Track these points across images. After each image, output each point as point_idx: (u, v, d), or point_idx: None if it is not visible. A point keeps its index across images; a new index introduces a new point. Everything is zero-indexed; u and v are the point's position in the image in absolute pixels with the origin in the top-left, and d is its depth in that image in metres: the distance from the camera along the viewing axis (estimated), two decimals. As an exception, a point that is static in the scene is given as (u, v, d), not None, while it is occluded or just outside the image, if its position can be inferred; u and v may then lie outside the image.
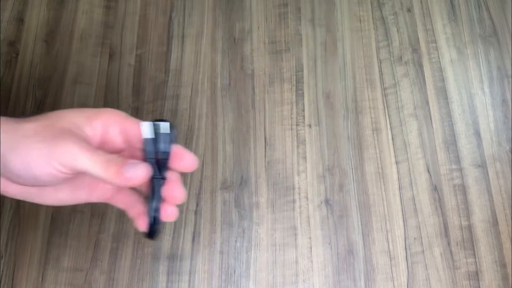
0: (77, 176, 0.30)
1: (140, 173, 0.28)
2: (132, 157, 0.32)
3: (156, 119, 0.29)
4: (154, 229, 0.29)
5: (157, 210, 0.29)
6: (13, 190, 0.31)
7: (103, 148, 0.32)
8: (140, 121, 0.31)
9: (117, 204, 0.35)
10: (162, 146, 0.29)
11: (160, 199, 0.29)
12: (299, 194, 0.63)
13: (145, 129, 0.29)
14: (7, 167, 0.28)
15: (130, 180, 0.28)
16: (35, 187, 0.31)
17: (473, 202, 0.63)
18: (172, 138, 0.29)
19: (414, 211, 0.62)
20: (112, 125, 0.31)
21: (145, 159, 0.29)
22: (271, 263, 0.59)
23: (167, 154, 0.29)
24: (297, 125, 0.66)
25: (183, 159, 0.30)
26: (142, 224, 0.31)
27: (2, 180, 0.30)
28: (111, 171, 0.27)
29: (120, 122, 0.31)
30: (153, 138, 0.29)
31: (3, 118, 0.29)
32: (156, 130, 0.29)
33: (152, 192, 0.29)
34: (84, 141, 0.28)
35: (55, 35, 0.71)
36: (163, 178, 0.29)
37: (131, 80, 0.68)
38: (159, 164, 0.29)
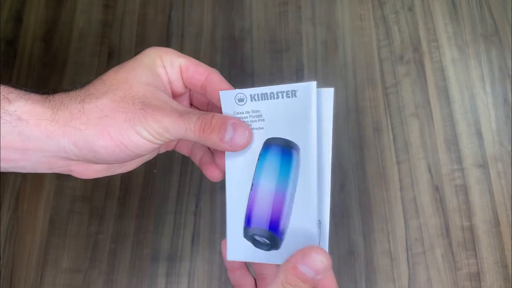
0: None
1: (248, 134, 0.27)
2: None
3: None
4: None
5: None
6: (94, 172, 0.29)
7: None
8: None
9: (181, 151, 0.34)
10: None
11: None
12: (300, 194, 0.62)
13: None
14: (95, 154, 0.25)
15: (239, 147, 0.26)
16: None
17: (475, 202, 0.62)
18: None
19: (415, 212, 0.62)
20: (171, 65, 0.29)
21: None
22: (271, 264, 0.59)
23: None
24: (297, 125, 0.66)
25: None
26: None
27: (83, 167, 0.28)
28: (212, 139, 0.25)
29: (176, 59, 0.30)
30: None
31: (59, 95, 0.26)
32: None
33: None
34: (170, 106, 0.26)
35: (54, 35, 0.70)
36: None
37: (130, 80, 0.68)
38: None
